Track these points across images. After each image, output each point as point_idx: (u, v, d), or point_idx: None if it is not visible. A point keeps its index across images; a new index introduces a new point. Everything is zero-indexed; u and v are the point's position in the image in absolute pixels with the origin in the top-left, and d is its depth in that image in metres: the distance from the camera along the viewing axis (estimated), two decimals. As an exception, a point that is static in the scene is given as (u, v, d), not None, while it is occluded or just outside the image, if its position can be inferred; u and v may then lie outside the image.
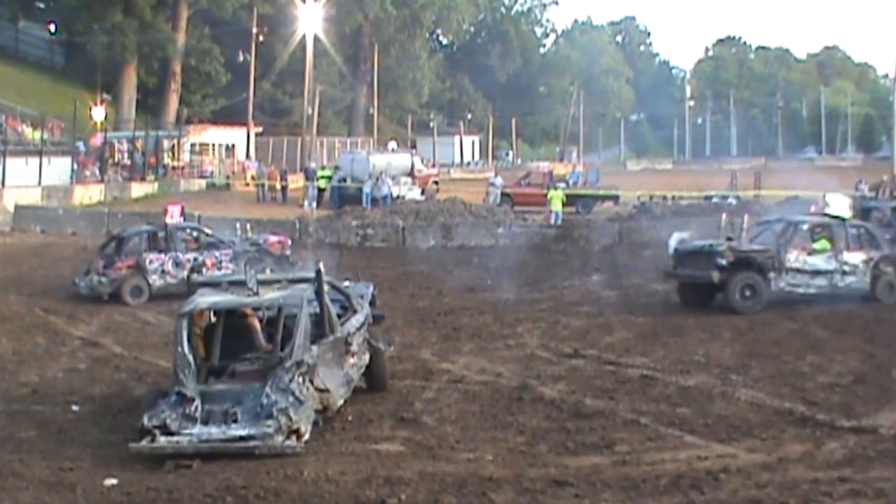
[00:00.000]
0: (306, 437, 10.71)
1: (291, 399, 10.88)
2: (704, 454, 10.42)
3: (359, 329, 12.84)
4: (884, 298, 19.32)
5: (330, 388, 11.58)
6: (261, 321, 12.66)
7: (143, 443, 10.57)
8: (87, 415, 12.57)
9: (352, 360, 12.50)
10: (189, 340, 11.45)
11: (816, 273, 19.20)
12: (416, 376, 14.21)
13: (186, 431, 10.65)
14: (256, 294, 12.06)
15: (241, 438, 10.55)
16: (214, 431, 10.66)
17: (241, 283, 12.59)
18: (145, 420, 10.70)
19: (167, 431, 10.62)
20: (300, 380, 11.14)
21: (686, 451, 10.58)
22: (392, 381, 13.63)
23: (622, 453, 10.53)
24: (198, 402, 10.90)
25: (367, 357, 13.01)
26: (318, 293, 12.13)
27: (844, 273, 19.27)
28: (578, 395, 13.04)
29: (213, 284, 13.11)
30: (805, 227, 19.87)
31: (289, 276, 13.60)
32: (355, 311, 13.09)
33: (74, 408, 12.85)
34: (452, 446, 10.93)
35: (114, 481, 9.85)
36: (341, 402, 11.91)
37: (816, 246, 19.50)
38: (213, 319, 12.40)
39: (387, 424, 11.85)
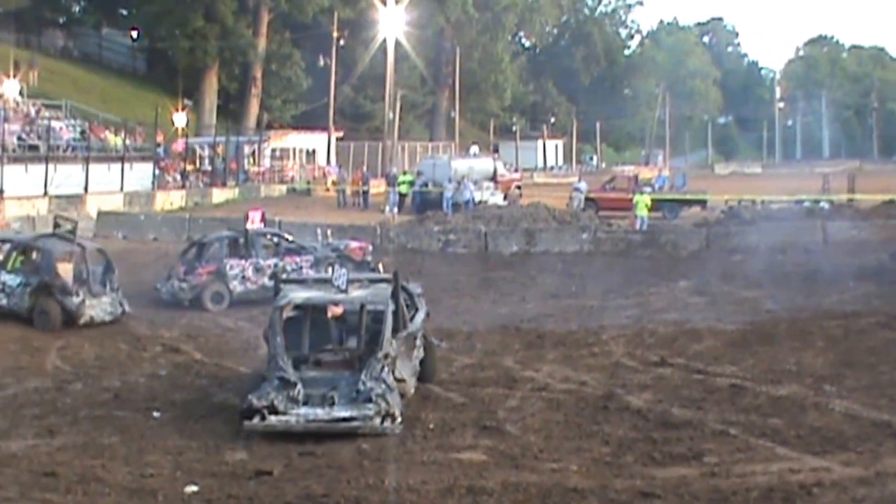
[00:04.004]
0: (399, 420, 11.55)
1: (384, 386, 11.87)
2: (797, 467, 10.12)
3: (421, 325, 13.99)
4: (40, 326, 18.33)
5: (405, 377, 12.66)
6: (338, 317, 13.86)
7: (256, 420, 11.46)
8: (168, 421, 12.62)
9: (416, 353, 13.54)
10: (284, 331, 12.61)
11: None
12: (498, 384, 14.09)
13: (293, 411, 11.56)
14: (345, 292, 13.09)
15: (345, 419, 11.48)
16: (319, 412, 11.59)
17: (325, 282, 13.71)
18: (254, 400, 11.57)
19: (274, 411, 11.49)
20: (387, 370, 12.17)
21: (778, 463, 10.29)
22: (474, 389, 13.75)
23: (711, 465, 10.28)
24: (300, 385, 11.83)
25: (422, 350, 13.94)
26: (395, 292, 13.21)
27: (7, 294, 18.86)
28: (665, 404, 12.79)
29: (299, 282, 14.40)
30: None
31: (368, 277, 14.96)
32: (417, 309, 14.25)
33: (156, 414, 12.93)
34: (536, 456, 10.78)
35: (195, 488, 9.88)
36: (412, 391, 12.84)
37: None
38: (294, 314, 13.54)
39: (469, 433, 11.74)
